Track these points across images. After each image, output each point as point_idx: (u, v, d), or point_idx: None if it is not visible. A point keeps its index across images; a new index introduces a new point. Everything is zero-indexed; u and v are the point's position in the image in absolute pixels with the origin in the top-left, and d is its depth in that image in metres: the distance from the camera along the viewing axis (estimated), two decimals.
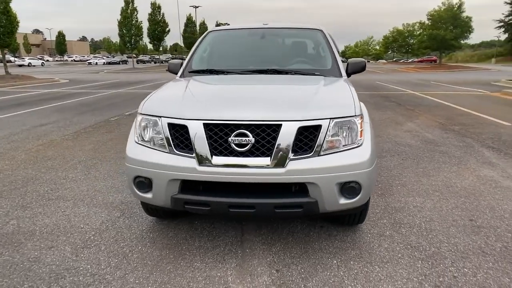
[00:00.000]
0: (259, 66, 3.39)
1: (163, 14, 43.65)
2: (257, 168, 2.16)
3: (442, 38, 33.77)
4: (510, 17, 50.09)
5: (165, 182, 2.27)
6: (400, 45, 55.37)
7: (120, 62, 62.06)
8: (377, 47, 69.85)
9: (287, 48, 3.77)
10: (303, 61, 3.58)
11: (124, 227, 2.94)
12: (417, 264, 2.39)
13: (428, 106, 10.01)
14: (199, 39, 3.79)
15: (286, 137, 2.15)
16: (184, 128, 2.26)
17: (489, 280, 2.22)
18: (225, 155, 2.20)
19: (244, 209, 2.25)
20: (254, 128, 2.18)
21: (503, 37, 55.03)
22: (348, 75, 3.36)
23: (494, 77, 21.27)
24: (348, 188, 2.24)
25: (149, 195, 2.40)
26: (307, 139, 2.20)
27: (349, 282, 2.22)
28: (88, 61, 61.34)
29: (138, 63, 51.29)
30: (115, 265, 2.40)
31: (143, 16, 56.08)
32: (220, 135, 2.20)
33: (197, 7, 60.38)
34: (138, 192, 2.43)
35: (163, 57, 64.50)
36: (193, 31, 57.46)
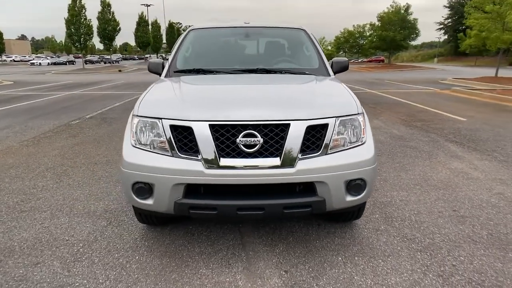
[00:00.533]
0: (247, 65, 3.34)
1: (113, 12, 41.68)
2: (267, 169, 2.12)
3: (391, 39, 35.84)
4: (449, 20, 54.40)
5: (169, 187, 2.15)
6: (351, 45, 57.70)
7: (67, 63, 58.37)
8: (329, 48, 72.21)
9: (272, 47, 3.75)
10: (290, 60, 3.59)
11: (115, 236, 2.75)
12: (417, 256, 2.49)
13: (388, 104, 10.54)
14: (181, 38, 3.66)
15: (295, 136, 2.14)
16: (188, 129, 2.16)
17: (484, 266, 2.37)
18: (233, 156, 2.14)
19: (253, 211, 2.20)
20: (262, 128, 2.14)
21: (443, 38, 59.56)
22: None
23: (440, 76, 22.92)
24: (354, 185, 2.28)
25: (149, 202, 2.26)
26: (314, 138, 2.20)
27: (358, 277, 2.26)
28: (31, 62, 56.66)
29: (86, 64, 48.39)
30: (115, 277, 2.24)
31: (91, 14, 53.26)
32: (227, 136, 2.13)
33: (149, 5, 58.49)
34: (136, 199, 2.28)
35: (113, 57, 61.66)
36: (145, 30, 55.52)
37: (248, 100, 2.42)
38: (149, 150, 2.24)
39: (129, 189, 2.28)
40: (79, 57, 60.94)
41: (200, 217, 2.81)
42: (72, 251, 2.54)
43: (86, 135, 6.28)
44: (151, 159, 2.20)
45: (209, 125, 2.13)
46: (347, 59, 3.57)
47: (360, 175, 2.26)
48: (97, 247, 2.60)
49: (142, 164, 2.20)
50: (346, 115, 2.30)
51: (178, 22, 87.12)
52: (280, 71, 3.23)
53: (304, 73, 3.21)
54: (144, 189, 2.24)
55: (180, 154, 2.17)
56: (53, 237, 2.73)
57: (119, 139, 5.87)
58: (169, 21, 72.19)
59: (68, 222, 2.98)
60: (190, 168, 2.13)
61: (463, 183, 3.86)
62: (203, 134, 2.12)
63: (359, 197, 2.33)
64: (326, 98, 2.51)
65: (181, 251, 2.56)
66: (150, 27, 58.41)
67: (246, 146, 2.12)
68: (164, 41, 70.42)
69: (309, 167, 2.15)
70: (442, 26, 55.73)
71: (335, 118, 2.24)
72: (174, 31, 71.91)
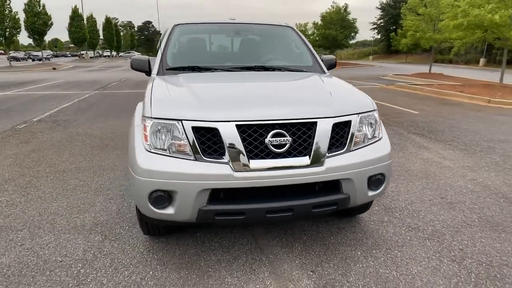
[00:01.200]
0: (242, 62, 3.24)
1: (43, 5, 38.01)
2: (297, 169, 2.07)
3: (333, 38, 37.55)
4: (381, 21, 58.40)
5: (194, 193, 1.99)
6: None
7: None
8: None
9: (264, 44, 3.67)
10: (284, 57, 3.54)
11: (117, 252, 2.49)
12: (427, 244, 2.61)
13: None
14: (166, 34, 3.41)
15: (323, 134, 2.11)
16: (212, 131, 2.02)
17: (486, 247, 2.56)
18: (262, 157, 2.04)
19: (282, 213, 2.13)
20: (290, 127, 2.07)
21: (376, 37, 63.86)
22: None
23: (381, 72, 24.51)
24: (375, 180, 2.31)
25: (169, 211, 2.07)
26: (338, 136, 2.19)
27: (383, 270, 2.30)
28: None
29: (11, 61, 43.49)
30: None
31: (17, 6, 48.27)
32: (254, 137, 2.03)
33: None
34: (154, 209, 2.08)
35: (44, 53, 56.34)
36: (81, 25, 51.56)
37: (270, 99, 2.34)
38: (168, 154, 2.05)
39: (144, 199, 2.06)
40: (1, 54, 54.50)
41: (225, 224, 2.67)
42: (72, 273, 2.25)
43: (40, 140, 5.63)
44: (173, 164, 2.02)
45: (236, 125, 2.01)
46: (334, 57, 3.62)
47: (381, 170, 2.31)
48: (100, 265, 2.33)
49: (162, 170, 2.01)
50: (365, 112, 2.33)
51: (115, 17, 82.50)
52: (278, 69, 3.17)
53: (302, 71, 3.19)
54: (163, 197, 2.05)
55: (205, 158, 2.02)
56: (42, 260, 2.39)
57: (81, 143, 5.38)
58: (106, 16, 67.75)
59: (54, 241, 2.63)
60: (218, 172, 1.99)
61: (439, 172, 4.16)
62: (230, 135, 2.00)
63: (378, 191, 2.37)
64: (343, 95, 2.51)
65: (197, 261, 2.40)
66: (85, 21, 54.30)
67: (275, 146, 2.04)
68: (101, 36, 66.10)
69: (336, 165, 2.14)
70: (375, 26, 59.66)
71: (356, 115, 2.26)
72: (111, 26, 67.82)
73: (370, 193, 2.33)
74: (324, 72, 3.29)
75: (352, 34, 40.07)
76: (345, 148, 2.20)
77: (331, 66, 3.52)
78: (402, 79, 17.92)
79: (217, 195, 2.07)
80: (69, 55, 75.27)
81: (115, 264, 2.35)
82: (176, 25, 3.51)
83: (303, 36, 3.71)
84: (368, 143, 2.31)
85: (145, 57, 3.26)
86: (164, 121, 2.07)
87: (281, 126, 2.06)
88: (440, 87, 13.05)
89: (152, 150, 2.08)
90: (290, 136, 2.06)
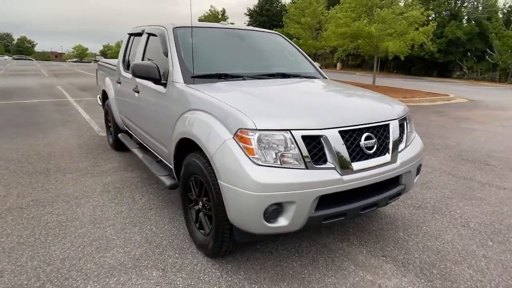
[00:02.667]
0: (259, 69, 3.26)
1: None
2: (382, 167, 2.31)
3: None
4: (250, 27, 62.54)
5: (310, 201, 2.03)
6: None
7: None
8: None
9: (270, 51, 3.71)
10: (290, 64, 3.68)
11: (195, 282, 2.24)
12: (436, 217, 3.21)
13: None
14: (170, 38, 3.08)
15: (394, 134, 2.42)
16: (317, 138, 2.09)
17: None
18: (358, 160, 2.22)
19: (371, 208, 2.35)
20: (374, 129, 2.31)
21: None
22: None
23: None
24: (418, 169, 2.75)
25: (282, 223, 2.04)
26: (399, 135, 2.54)
27: (430, 243, 2.76)
28: None
29: None
30: None
31: None
32: (351, 141, 2.19)
33: None
34: (267, 224, 2.01)
35: None
36: None
37: (351, 106, 2.56)
38: (279, 166, 2.01)
39: (258, 215, 1.97)
40: None
41: (327, 226, 2.78)
42: None
43: None
44: (288, 175, 1.99)
45: (339, 131, 2.13)
46: (319, 64, 3.97)
47: (420, 161, 2.75)
48: None
49: (280, 183, 1.96)
50: (407, 113, 2.74)
51: None
52: (295, 76, 3.32)
53: (315, 77, 3.43)
54: (276, 210, 2.01)
55: (315, 165, 2.06)
56: None
57: (8, 171, 4.27)
58: None
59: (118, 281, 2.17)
60: (328, 178, 2.07)
61: None
62: (336, 141, 2.11)
63: (417, 179, 2.81)
64: (384, 99, 2.86)
65: (284, 270, 2.38)
66: None
67: (367, 148, 2.24)
68: None
69: (404, 160, 2.48)
70: None
71: (406, 115, 2.65)
72: None
73: (415, 181, 2.75)
74: (326, 78, 3.59)
75: None
76: (404, 145, 2.55)
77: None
78: None
79: (322, 200, 2.13)
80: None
81: None
82: (176, 27, 3.25)
83: (294, 44, 3.95)
84: (411, 139, 2.73)
85: (153, 63, 2.94)
86: (272, 132, 2.02)
87: (369, 129, 2.28)
88: None
89: (262, 163, 1.99)
90: (375, 138, 2.29)
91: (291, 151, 2.03)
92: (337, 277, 2.32)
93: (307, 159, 2.04)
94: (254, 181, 1.94)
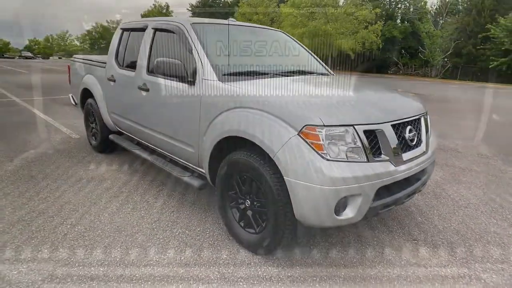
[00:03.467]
0: (279, 67, 3.29)
1: None
2: (421, 156, 2.51)
3: None
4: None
5: (373, 193, 2.15)
6: (109, 42, 54.88)
7: None
8: (77, 43, 65.45)
9: (281, 49, 3.72)
10: (301, 61, 3.73)
11: (258, 282, 2.23)
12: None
13: None
14: (190, 34, 2.97)
15: (424, 127, 2.65)
16: (374, 132, 2.20)
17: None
18: (405, 151, 2.37)
19: (413, 195, 2.55)
20: (413, 123, 2.50)
21: None
22: None
23: None
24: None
25: (348, 215, 2.13)
26: (425, 128, 2.75)
27: (455, 225, 3.04)
28: None
29: None
30: None
31: None
32: (398, 134, 2.34)
33: None
34: (336, 217, 2.08)
35: None
36: None
37: (394, 101, 2.76)
38: (345, 160, 2.09)
39: (330, 208, 2.04)
40: None
41: (376, 216, 2.86)
42: None
43: None
44: (355, 168, 2.08)
45: (391, 125, 2.26)
46: None
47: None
48: None
49: (349, 176, 2.04)
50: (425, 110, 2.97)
51: None
52: (311, 73, 3.41)
53: (327, 74, 3.54)
54: (343, 203, 2.09)
55: (374, 158, 2.18)
56: None
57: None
58: None
59: None
60: (386, 170, 2.20)
61: None
62: (390, 134, 2.24)
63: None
64: (409, 96, 3.06)
65: (341, 264, 2.47)
66: None
67: (410, 140, 2.41)
68: None
69: (433, 150, 2.70)
70: None
71: (425, 111, 2.88)
72: None
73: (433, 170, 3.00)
74: (333, 75, 3.73)
75: None
76: (429, 137, 2.78)
77: None
78: None
79: (378, 190, 2.25)
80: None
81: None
82: (194, 23, 3.15)
83: (298, 41, 4.02)
84: (431, 131, 2.97)
85: (177, 60, 2.83)
86: (338, 128, 2.09)
87: (410, 123, 2.45)
88: None
89: (330, 158, 2.05)
90: (415, 131, 2.47)
91: (355, 146, 2.12)
92: (394, 268, 2.42)
93: (367, 153, 2.15)
94: (327, 175, 2.00)
